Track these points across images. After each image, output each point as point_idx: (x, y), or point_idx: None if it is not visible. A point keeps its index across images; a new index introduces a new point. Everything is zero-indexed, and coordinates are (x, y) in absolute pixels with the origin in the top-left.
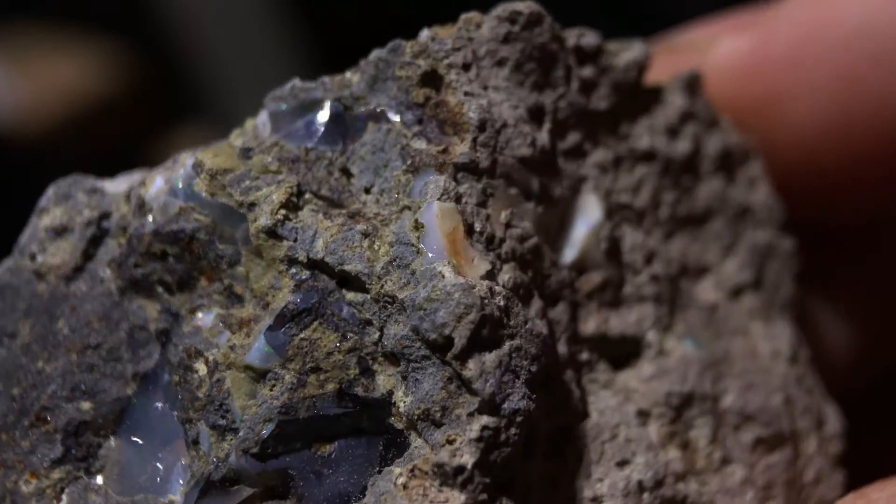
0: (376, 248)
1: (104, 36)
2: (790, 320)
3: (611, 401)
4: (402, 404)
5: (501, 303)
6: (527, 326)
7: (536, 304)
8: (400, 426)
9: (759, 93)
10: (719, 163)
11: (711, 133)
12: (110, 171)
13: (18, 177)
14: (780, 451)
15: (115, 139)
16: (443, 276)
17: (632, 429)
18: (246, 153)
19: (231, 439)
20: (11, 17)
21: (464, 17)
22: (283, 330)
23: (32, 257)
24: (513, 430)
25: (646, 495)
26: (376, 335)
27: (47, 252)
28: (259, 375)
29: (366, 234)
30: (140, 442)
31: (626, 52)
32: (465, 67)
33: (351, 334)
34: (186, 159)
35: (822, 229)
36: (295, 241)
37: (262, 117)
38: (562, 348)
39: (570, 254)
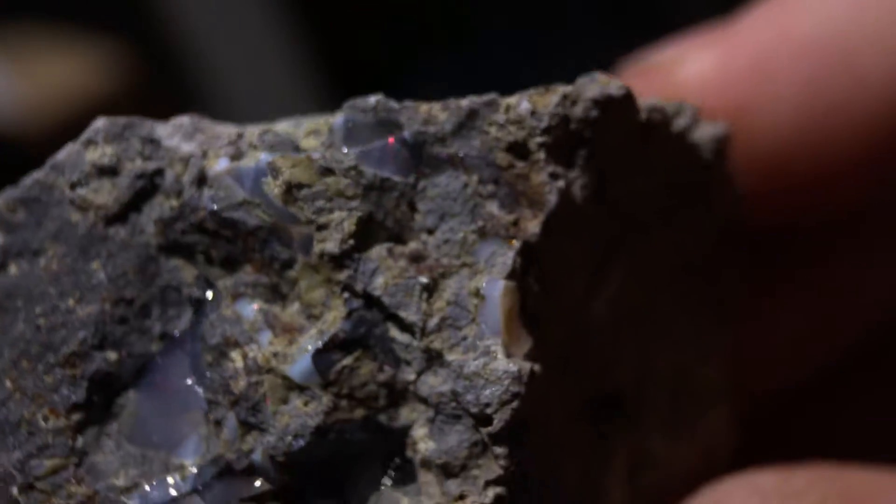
0: (433, 302)
1: (104, 36)
2: None
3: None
4: (422, 444)
5: (537, 389)
6: (547, 423)
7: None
8: (410, 456)
9: (726, 107)
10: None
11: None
12: None
13: (18, 177)
14: None
15: None
16: (496, 357)
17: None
18: (324, 171)
19: (256, 436)
20: (11, 17)
21: (563, 90)
22: (330, 355)
23: (73, 186)
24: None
25: None
26: (412, 376)
27: (89, 187)
28: (295, 387)
29: (426, 289)
30: (158, 401)
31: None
32: (555, 148)
33: (388, 367)
34: (258, 152)
35: (788, 232)
36: (355, 271)
37: (339, 122)
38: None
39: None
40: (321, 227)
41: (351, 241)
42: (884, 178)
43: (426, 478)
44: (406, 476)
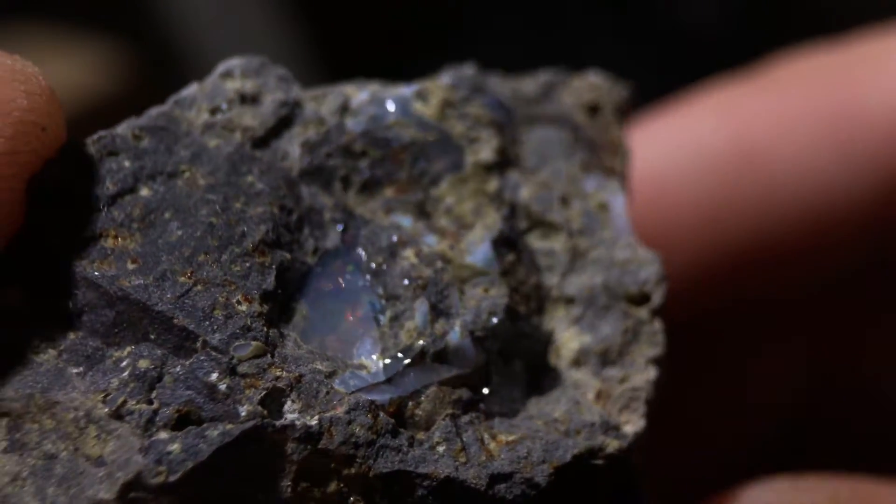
0: (568, 212)
1: (104, 36)
2: None
3: None
4: (572, 343)
5: None
6: None
7: None
8: (554, 363)
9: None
10: None
11: None
12: None
13: None
14: None
15: None
16: (638, 248)
17: None
18: (465, 100)
19: (444, 323)
20: (11, 17)
21: (606, 81)
22: (501, 248)
23: (214, 111)
24: (659, 391)
25: None
26: (555, 280)
27: (233, 112)
28: (475, 275)
29: (562, 200)
30: (325, 308)
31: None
32: (618, 112)
33: (534, 275)
34: (396, 87)
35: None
36: (503, 183)
37: (446, 80)
38: None
39: None
40: (473, 141)
41: (499, 156)
42: (712, 300)
43: (578, 374)
44: (553, 382)
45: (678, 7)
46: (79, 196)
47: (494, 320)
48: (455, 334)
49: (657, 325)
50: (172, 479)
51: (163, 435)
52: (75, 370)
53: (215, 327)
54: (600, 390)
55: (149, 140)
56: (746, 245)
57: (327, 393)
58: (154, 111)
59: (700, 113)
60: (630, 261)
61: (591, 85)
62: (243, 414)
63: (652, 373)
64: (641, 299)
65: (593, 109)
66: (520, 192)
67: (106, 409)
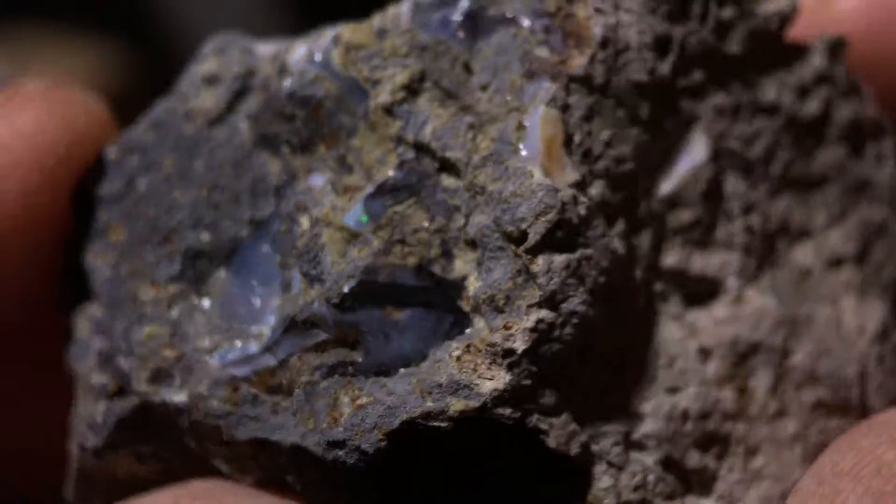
0: (478, 141)
1: (104, 36)
2: (887, 302)
3: (676, 333)
4: (472, 288)
5: (582, 212)
6: (603, 240)
7: (620, 225)
8: (466, 309)
9: (884, 38)
10: (847, 132)
11: (846, 101)
12: None
13: None
14: (842, 419)
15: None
16: (531, 176)
17: (690, 362)
18: (381, 34)
19: (318, 288)
20: (11, 17)
21: None
22: (381, 200)
23: (185, 100)
24: (567, 330)
25: (688, 424)
26: (462, 222)
27: (199, 97)
28: (352, 237)
29: (472, 127)
30: (244, 278)
31: (772, 2)
32: None
33: (440, 217)
34: (329, 32)
35: None
36: (407, 122)
37: (406, 6)
38: (637, 274)
39: (666, 187)
40: (376, 83)
41: (402, 93)
42: None
43: (479, 323)
44: (462, 328)
45: None
46: (100, 196)
47: (350, 284)
48: (317, 303)
49: (540, 264)
50: (99, 443)
51: (101, 404)
52: (94, 345)
53: (124, 315)
54: (471, 344)
55: (152, 134)
56: None
57: (200, 369)
58: (160, 106)
59: None
60: (515, 194)
61: None
62: (139, 390)
63: (531, 320)
64: (519, 238)
65: None
66: (425, 129)
67: (82, 379)
